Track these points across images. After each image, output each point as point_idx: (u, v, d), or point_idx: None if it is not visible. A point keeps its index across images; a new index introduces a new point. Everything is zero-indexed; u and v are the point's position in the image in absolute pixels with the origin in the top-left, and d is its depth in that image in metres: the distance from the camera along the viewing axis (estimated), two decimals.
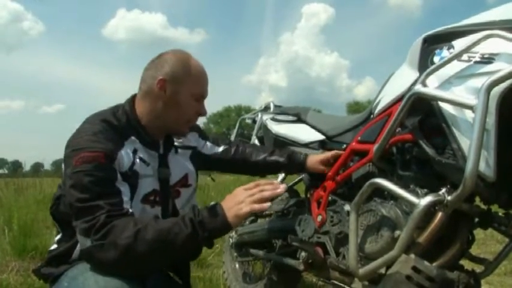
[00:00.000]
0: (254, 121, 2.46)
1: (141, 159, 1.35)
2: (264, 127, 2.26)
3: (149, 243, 1.11)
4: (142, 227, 1.12)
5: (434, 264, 1.30)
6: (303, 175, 1.99)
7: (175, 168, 1.50)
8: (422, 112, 1.35)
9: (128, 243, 1.10)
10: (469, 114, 1.16)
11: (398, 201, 1.41)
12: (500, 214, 1.39)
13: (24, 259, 3.12)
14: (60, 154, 1.33)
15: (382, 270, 1.39)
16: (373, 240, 1.42)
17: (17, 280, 2.68)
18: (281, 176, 2.21)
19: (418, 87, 1.27)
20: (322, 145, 1.91)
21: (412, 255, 1.27)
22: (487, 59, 1.17)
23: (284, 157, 1.84)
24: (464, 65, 1.22)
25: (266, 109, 2.47)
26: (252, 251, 2.26)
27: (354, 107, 57.21)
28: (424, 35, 1.42)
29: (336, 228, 1.66)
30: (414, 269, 1.26)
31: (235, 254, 2.47)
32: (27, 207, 4.58)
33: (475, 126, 1.08)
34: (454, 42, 1.29)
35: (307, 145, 1.96)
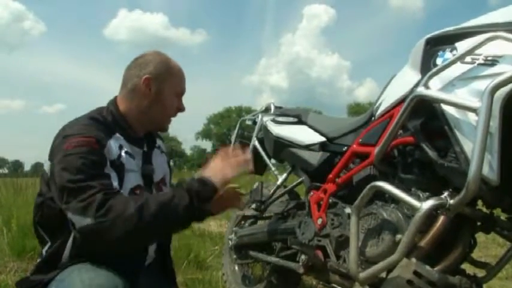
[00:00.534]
0: (254, 122, 2.44)
1: (127, 153, 1.41)
2: (264, 128, 2.24)
3: (153, 215, 1.18)
4: (143, 202, 1.19)
5: (435, 268, 1.29)
6: (303, 177, 1.98)
7: (159, 167, 1.58)
8: (425, 114, 1.33)
9: (133, 218, 1.15)
10: (472, 117, 1.14)
11: (399, 204, 1.40)
12: (502, 218, 1.37)
13: (23, 260, 3.11)
14: None
15: (383, 275, 1.37)
16: (374, 243, 1.41)
17: (15, 281, 2.65)
18: (282, 177, 2.19)
19: (421, 90, 1.26)
20: (322, 147, 1.89)
21: (414, 260, 1.26)
22: (491, 61, 1.15)
23: None
24: (467, 67, 1.20)
25: (267, 110, 2.45)
26: (252, 253, 2.25)
27: (355, 109, 57.23)
28: (426, 37, 1.40)
29: (336, 231, 1.64)
30: (415, 273, 1.25)
31: (234, 256, 2.45)
32: (27, 207, 4.56)
33: (479, 129, 1.06)
34: (457, 44, 1.28)
35: (307, 147, 1.94)
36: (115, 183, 1.28)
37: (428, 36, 1.40)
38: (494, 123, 1.09)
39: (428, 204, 1.20)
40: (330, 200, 1.72)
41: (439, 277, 1.25)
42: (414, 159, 1.40)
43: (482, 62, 1.17)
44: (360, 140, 1.62)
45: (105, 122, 1.41)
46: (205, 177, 1.33)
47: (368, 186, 1.37)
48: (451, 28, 1.34)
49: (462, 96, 1.18)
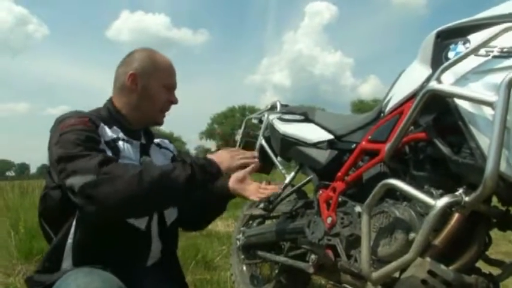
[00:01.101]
0: (260, 121, 2.42)
1: (124, 140, 1.44)
2: (270, 127, 2.21)
3: (153, 180, 1.18)
4: (146, 167, 1.24)
5: (450, 267, 1.26)
6: (312, 175, 1.95)
7: (158, 162, 1.55)
8: (437, 110, 1.29)
9: (133, 180, 1.16)
10: (488, 111, 1.10)
11: (412, 202, 1.37)
12: None
13: (30, 262, 3.11)
14: None
15: (396, 274, 1.34)
16: (387, 243, 1.38)
17: (23, 284, 2.64)
18: (289, 176, 2.16)
19: (433, 84, 1.22)
20: (330, 145, 1.86)
21: (428, 259, 1.23)
22: (507, 53, 1.11)
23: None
24: (482, 59, 1.17)
25: (272, 108, 2.42)
26: (260, 253, 2.23)
27: (359, 106, 56.97)
28: (437, 30, 1.37)
29: (346, 230, 1.61)
30: (430, 272, 1.22)
31: (242, 256, 2.43)
32: (34, 209, 4.55)
33: (495, 124, 1.02)
34: (469, 37, 1.24)
35: (315, 145, 1.91)
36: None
37: (439, 29, 1.36)
38: (511, 118, 1.06)
39: (442, 201, 1.16)
40: (340, 199, 1.70)
41: (455, 276, 1.21)
42: (426, 155, 1.36)
43: (497, 54, 1.13)
44: (369, 137, 1.59)
45: (101, 116, 1.45)
46: (212, 160, 1.37)
47: (380, 184, 1.33)
48: (463, 20, 1.30)
49: (477, 90, 1.14)
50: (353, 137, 1.76)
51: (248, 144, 2.49)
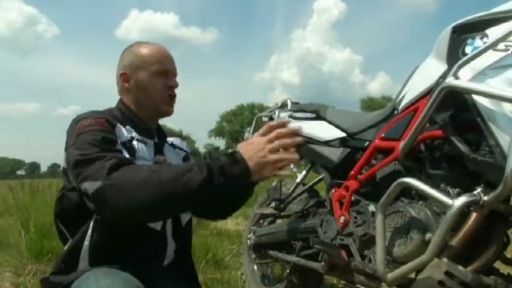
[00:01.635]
0: (271, 118, 2.38)
1: (138, 140, 1.41)
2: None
3: (164, 182, 1.09)
4: (157, 168, 1.15)
5: (468, 268, 1.22)
6: (323, 174, 1.92)
7: (172, 162, 1.52)
8: (454, 106, 1.26)
9: (143, 183, 1.09)
10: (508, 107, 1.07)
11: (428, 201, 1.33)
12: None
13: (41, 262, 3.11)
14: None
15: (412, 275, 1.32)
16: (402, 243, 1.34)
17: (33, 284, 2.66)
18: (301, 174, 2.14)
19: (450, 80, 1.19)
20: (343, 143, 1.83)
21: (445, 259, 1.19)
22: None
23: None
24: (500, 54, 1.13)
25: (283, 106, 2.39)
26: (271, 252, 2.20)
27: (368, 103, 56.85)
28: (453, 24, 1.33)
29: (360, 229, 1.59)
30: (447, 273, 1.18)
31: (253, 255, 2.41)
32: (44, 208, 4.56)
33: None
34: (487, 31, 1.20)
35: (327, 143, 1.88)
36: (128, 157, 1.27)
37: (455, 23, 1.32)
38: None
39: (460, 201, 1.13)
40: (353, 198, 1.67)
41: (473, 277, 1.18)
42: (443, 153, 1.33)
43: None
44: (383, 135, 1.56)
45: (115, 116, 1.43)
46: (238, 155, 1.15)
47: (395, 183, 1.30)
48: (480, 14, 1.26)
49: (496, 86, 1.10)
50: (366, 134, 1.73)
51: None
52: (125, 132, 1.38)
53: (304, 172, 2.14)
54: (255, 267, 2.44)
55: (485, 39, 1.20)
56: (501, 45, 1.13)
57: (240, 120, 60.30)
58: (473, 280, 1.18)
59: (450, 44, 1.32)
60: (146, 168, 1.15)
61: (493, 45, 1.13)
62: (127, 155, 1.29)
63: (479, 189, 1.17)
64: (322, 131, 1.94)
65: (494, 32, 1.18)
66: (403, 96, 1.54)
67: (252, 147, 1.17)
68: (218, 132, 62.97)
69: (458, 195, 1.20)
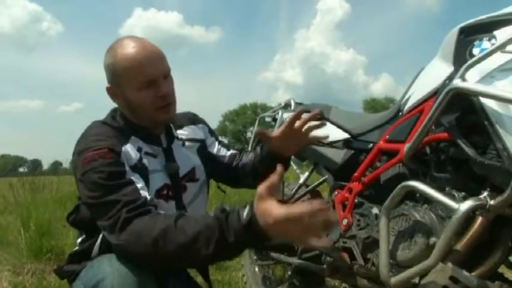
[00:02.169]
0: (274, 119, 2.37)
1: (147, 153, 1.34)
2: None
3: (172, 250, 1.05)
4: (166, 230, 1.05)
5: (473, 273, 1.21)
6: (327, 176, 1.90)
7: (183, 161, 1.46)
8: (460, 109, 1.24)
9: (152, 245, 1.05)
10: None
11: (432, 205, 1.32)
12: None
13: (40, 261, 3.10)
14: None
15: (416, 280, 1.30)
16: (406, 247, 1.33)
17: (32, 283, 2.65)
18: (304, 176, 2.12)
19: (457, 82, 1.17)
20: (346, 144, 1.81)
21: (450, 264, 1.18)
22: None
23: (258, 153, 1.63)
24: (509, 56, 1.12)
25: (286, 106, 2.37)
26: (273, 254, 2.19)
27: (371, 104, 56.78)
28: (460, 26, 1.32)
29: (363, 232, 1.57)
30: (452, 279, 1.18)
31: (254, 257, 2.40)
32: (45, 206, 4.56)
33: None
34: (495, 33, 1.19)
35: (330, 144, 1.86)
36: (140, 185, 1.20)
37: (462, 24, 1.31)
38: None
39: (466, 205, 1.12)
40: (356, 200, 1.65)
41: (478, 283, 1.17)
42: (448, 156, 1.31)
43: None
44: (387, 137, 1.54)
45: (118, 126, 1.35)
46: (258, 226, 0.97)
47: (399, 186, 1.29)
48: (488, 15, 1.25)
49: (504, 88, 1.09)
50: (370, 136, 1.71)
51: (261, 142, 2.45)
52: (132, 152, 1.29)
53: (307, 173, 2.11)
54: (257, 269, 2.42)
55: (493, 41, 1.18)
56: (510, 47, 1.12)
57: (242, 120, 60.28)
58: (478, 285, 1.17)
59: (457, 45, 1.31)
60: (157, 228, 1.06)
61: (501, 47, 1.12)
62: (140, 180, 1.23)
63: (485, 193, 1.15)
64: (325, 132, 1.92)
65: (502, 34, 1.16)
66: (408, 98, 1.52)
67: (279, 228, 0.95)
68: (221, 131, 62.90)
69: (464, 199, 1.18)
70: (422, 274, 1.25)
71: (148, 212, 1.12)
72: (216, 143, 1.68)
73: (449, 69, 1.31)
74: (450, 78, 1.27)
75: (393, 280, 1.29)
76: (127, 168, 1.22)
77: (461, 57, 1.27)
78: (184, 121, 1.58)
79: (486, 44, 1.20)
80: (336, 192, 1.76)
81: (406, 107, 1.52)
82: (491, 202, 1.12)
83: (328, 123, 1.96)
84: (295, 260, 1.99)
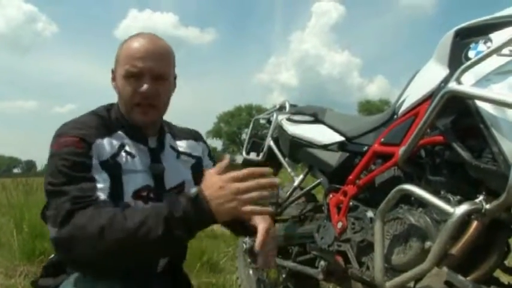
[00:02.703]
0: (269, 121, 2.36)
1: (127, 152, 1.30)
2: (279, 128, 2.16)
3: (115, 240, 1.03)
4: (108, 222, 1.04)
5: (468, 278, 1.20)
6: (321, 178, 1.89)
7: (173, 172, 1.41)
8: (456, 112, 1.23)
9: (93, 238, 1.03)
10: (511, 114, 1.05)
11: (427, 208, 1.31)
12: None
13: (33, 263, 3.07)
14: None
15: (411, 284, 1.29)
16: (401, 251, 1.32)
17: (24, 286, 2.62)
18: (298, 178, 2.11)
19: (453, 85, 1.16)
20: (341, 147, 1.80)
21: (445, 268, 1.17)
22: None
23: None
24: (505, 59, 1.11)
25: (281, 109, 2.36)
26: None
27: (366, 106, 56.95)
28: (455, 28, 1.31)
29: (358, 236, 1.56)
30: (447, 283, 1.17)
31: (249, 260, 2.37)
32: (38, 208, 4.51)
33: None
34: (491, 35, 1.18)
35: (325, 147, 1.85)
36: (100, 185, 1.16)
37: (458, 27, 1.30)
38: None
39: (462, 209, 1.11)
40: (351, 203, 1.64)
41: (473, 287, 1.16)
42: (444, 160, 1.30)
43: None
44: (382, 140, 1.54)
45: (108, 119, 1.33)
46: (202, 201, 1.04)
47: (395, 190, 1.28)
48: (484, 18, 1.24)
49: (500, 91, 1.08)
50: (365, 139, 1.71)
51: (255, 144, 2.44)
52: (107, 147, 1.26)
53: (301, 176, 2.10)
54: (251, 272, 2.40)
55: (488, 44, 1.17)
56: (505, 50, 1.11)
57: (237, 122, 60.24)
58: None
59: (452, 48, 1.30)
60: (98, 220, 1.05)
61: (497, 50, 1.11)
62: (106, 180, 1.20)
63: (481, 197, 1.15)
64: (320, 134, 1.91)
65: (498, 37, 1.16)
66: (403, 101, 1.52)
67: (222, 193, 1.03)
68: (216, 133, 62.85)
69: (459, 203, 1.17)
70: (418, 278, 1.24)
71: (92, 204, 1.10)
72: (211, 167, 1.63)
73: (444, 72, 1.31)
74: (445, 81, 1.26)
75: (388, 284, 1.28)
76: (94, 162, 1.20)
77: (457, 60, 1.26)
78: (185, 134, 1.56)
79: (482, 47, 1.19)
80: (331, 195, 1.74)
81: (401, 110, 1.51)
82: (487, 206, 1.11)
83: (323, 126, 1.96)
84: (289, 263, 1.98)
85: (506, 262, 1.40)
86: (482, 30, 1.22)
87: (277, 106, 2.41)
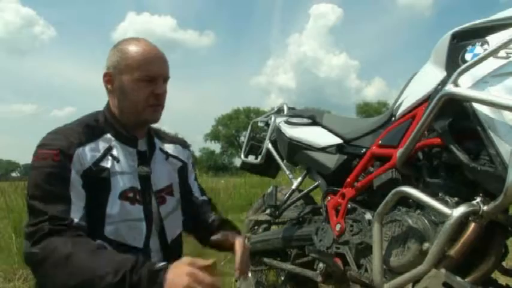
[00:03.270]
0: (267, 124, 2.36)
1: (112, 156, 1.34)
2: (277, 130, 2.16)
3: (72, 274, 1.09)
4: (75, 252, 1.10)
5: (467, 279, 1.21)
6: (319, 181, 1.89)
7: (162, 173, 1.47)
8: (453, 114, 1.24)
9: (57, 262, 1.10)
10: (509, 116, 1.05)
11: (425, 210, 1.31)
12: None
13: None
14: None
15: (409, 286, 1.29)
16: (399, 253, 1.32)
17: None
18: (297, 181, 2.11)
19: (450, 87, 1.17)
20: (339, 149, 1.80)
21: (443, 270, 1.17)
22: None
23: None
24: (501, 62, 1.12)
25: (279, 111, 2.37)
26: (266, 260, 2.18)
27: (364, 108, 56.92)
28: (452, 31, 1.32)
29: (356, 238, 1.56)
30: (445, 285, 1.16)
31: None
32: None
33: None
34: (488, 38, 1.19)
35: (323, 149, 1.86)
36: (74, 207, 1.21)
37: (455, 29, 1.31)
38: None
39: (459, 211, 1.11)
40: (349, 205, 1.64)
41: None
42: (441, 162, 1.31)
43: None
44: (380, 142, 1.54)
45: (95, 124, 1.37)
46: (161, 278, 1.05)
47: (392, 192, 1.28)
48: (481, 21, 1.25)
49: (496, 94, 1.09)
50: (363, 141, 1.71)
51: (253, 147, 2.44)
52: (89, 153, 1.29)
53: (300, 178, 2.11)
54: (249, 274, 2.40)
55: (485, 46, 1.18)
56: (502, 53, 1.12)
57: (235, 124, 60.18)
58: None
59: (449, 51, 1.31)
60: (64, 255, 1.09)
61: (494, 52, 1.11)
62: (81, 198, 1.23)
63: (478, 199, 1.15)
64: (318, 137, 1.92)
65: (494, 39, 1.16)
66: (401, 103, 1.52)
67: (181, 279, 1.04)
68: (214, 136, 62.82)
69: (457, 204, 1.18)
70: (416, 280, 1.24)
71: (68, 229, 1.16)
72: (193, 176, 1.67)
73: (441, 74, 1.31)
74: (443, 83, 1.27)
75: (386, 286, 1.28)
76: (73, 175, 1.23)
77: (454, 62, 1.27)
78: (172, 139, 1.62)
79: (479, 49, 1.20)
80: (329, 198, 1.75)
81: (399, 112, 1.51)
82: (484, 208, 1.11)
83: (321, 128, 1.96)
84: (288, 266, 1.99)
85: (504, 263, 1.41)
86: (479, 33, 1.23)
87: (276, 109, 2.42)
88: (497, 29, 1.18)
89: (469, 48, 1.23)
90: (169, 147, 1.56)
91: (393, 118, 1.57)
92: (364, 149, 1.66)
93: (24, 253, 1.17)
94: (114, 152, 1.35)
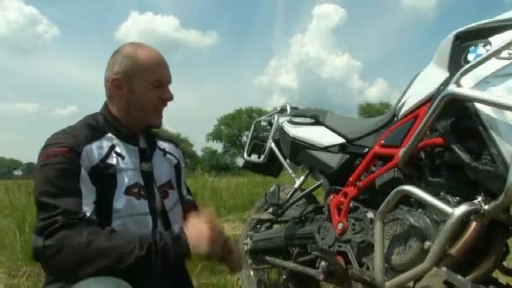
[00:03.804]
0: (270, 123, 2.37)
1: (116, 153, 1.37)
2: (280, 130, 2.17)
3: (98, 257, 1.13)
4: (95, 238, 1.14)
5: (467, 278, 1.22)
6: (322, 180, 1.91)
7: (163, 169, 1.52)
8: (455, 114, 1.25)
9: (78, 253, 1.12)
10: (510, 116, 1.07)
11: (427, 209, 1.32)
12: None
13: (35, 264, 3.07)
14: None
15: (410, 284, 1.30)
16: (401, 251, 1.33)
17: (28, 286, 2.64)
18: (299, 180, 2.12)
19: (452, 88, 1.18)
20: (342, 149, 1.82)
21: (444, 268, 1.19)
22: None
23: None
24: (504, 62, 1.13)
25: (282, 111, 2.38)
26: (268, 258, 2.19)
27: (366, 109, 56.91)
28: (455, 32, 1.33)
29: (358, 236, 1.57)
30: (446, 283, 1.18)
31: (249, 261, 2.39)
32: None
33: None
34: (491, 39, 1.20)
35: (326, 149, 1.87)
36: (86, 200, 1.24)
37: (458, 30, 1.32)
38: None
39: (461, 210, 1.12)
40: (351, 204, 1.65)
41: (472, 287, 1.17)
42: (443, 161, 1.32)
43: None
44: (382, 142, 1.55)
45: (96, 125, 1.40)
46: (183, 242, 1.21)
47: (394, 191, 1.29)
48: (484, 21, 1.26)
49: (498, 94, 1.10)
50: (365, 141, 1.72)
51: (256, 146, 2.45)
52: (96, 151, 1.32)
53: (302, 177, 2.11)
54: (252, 273, 2.41)
55: (488, 47, 1.19)
56: (504, 53, 1.13)
57: (238, 124, 60.23)
58: None
59: (452, 51, 1.32)
60: (85, 236, 1.14)
61: (496, 53, 1.12)
62: (91, 193, 1.26)
63: (479, 198, 1.16)
64: (321, 136, 1.93)
65: (497, 40, 1.17)
66: (403, 103, 1.53)
67: (200, 236, 1.22)
68: (216, 135, 62.88)
69: (459, 203, 1.19)
70: (417, 278, 1.25)
71: (82, 221, 1.18)
72: (182, 176, 1.70)
73: (444, 74, 1.32)
74: (445, 83, 1.28)
75: (388, 284, 1.29)
76: (83, 172, 1.26)
77: (457, 63, 1.28)
78: (166, 137, 1.67)
79: (481, 50, 1.21)
80: (331, 197, 1.76)
81: (401, 112, 1.52)
82: (486, 207, 1.12)
83: (324, 128, 1.98)
84: (290, 264, 2.00)
85: (505, 263, 1.42)
86: (482, 34, 1.24)
87: (278, 109, 2.43)
88: (500, 29, 1.20)
89: (471, 48, 1.24)
90: (165, 145, 1.60)
91: (396, 118, 1.58)
92: (366, 149, 1.67)
93: (35, 248, 1.17)
94: (118, 150, 1.38)
